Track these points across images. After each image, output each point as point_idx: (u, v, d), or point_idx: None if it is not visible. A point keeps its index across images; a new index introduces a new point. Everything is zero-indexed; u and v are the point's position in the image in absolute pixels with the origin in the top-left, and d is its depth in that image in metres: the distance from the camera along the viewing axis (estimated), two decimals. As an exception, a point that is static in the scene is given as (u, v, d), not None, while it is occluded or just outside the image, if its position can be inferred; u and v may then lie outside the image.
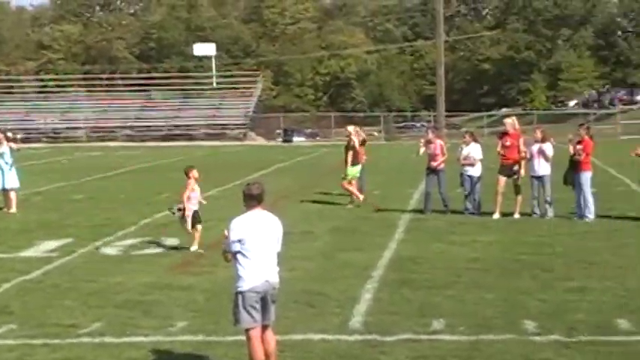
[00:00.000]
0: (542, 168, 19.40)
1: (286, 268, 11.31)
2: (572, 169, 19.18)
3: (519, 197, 19.61)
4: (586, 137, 19.04)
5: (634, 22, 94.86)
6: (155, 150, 56.73)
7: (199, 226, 15.95)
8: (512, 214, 19.48)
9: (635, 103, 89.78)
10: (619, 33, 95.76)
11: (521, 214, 19.49)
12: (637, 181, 24.05)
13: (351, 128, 24.08)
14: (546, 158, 19.36)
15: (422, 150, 21.10)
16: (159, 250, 16.33)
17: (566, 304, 11.31)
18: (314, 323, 10.65)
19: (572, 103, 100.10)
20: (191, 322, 10.87)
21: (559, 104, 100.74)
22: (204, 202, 16.41)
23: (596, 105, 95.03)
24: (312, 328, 10.39)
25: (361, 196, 22.48)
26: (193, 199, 15.85)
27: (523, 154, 19.73)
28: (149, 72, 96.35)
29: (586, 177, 18.97)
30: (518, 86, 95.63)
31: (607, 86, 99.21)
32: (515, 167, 19.71)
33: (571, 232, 17.46)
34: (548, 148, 19.50)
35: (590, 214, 18.90)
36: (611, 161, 32.71)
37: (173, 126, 75.27)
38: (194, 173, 16.02)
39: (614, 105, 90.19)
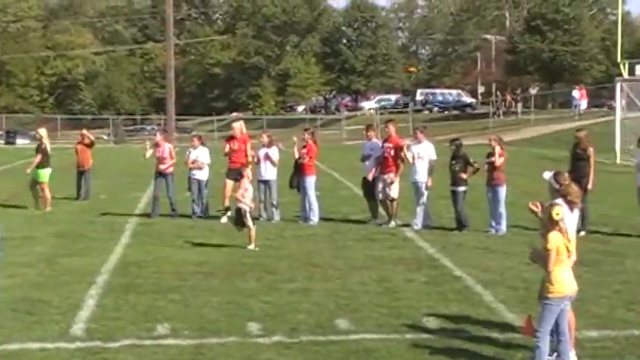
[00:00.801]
0: (269, 172, 19.71)
1: (5, 275, 10.87)
2: (298, 172, 19.65)
3: (246, 201, 19.80)
4: (310, 142, 19.58)
5: (358, 31, 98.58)
6: None
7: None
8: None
9: (359, 109, 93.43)
10: (344, 41, 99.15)
11: (249, 217, 19.69)
12: (360, 185, 24.96)
13: (42, 131, 23.53)
14: (273, 162, 19.70)
15: (149, 152, 21.02)
16: None
17: (289, 306, 11.54)
18: (33, 332, 10.25)
19: (300, 108, 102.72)
20: None
21: (288, 109, 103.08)
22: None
23: (322, 111, 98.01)
24: (31, 337, 10.00)
25: (48, 206, 21.97)
26: (247, 197, 16.16)
27: (250, 158, 19.98)
28: None
29: (310, 181, 19.49)
30: (249, 91, 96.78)
31: (333, 92, 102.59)
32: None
33: (296, 234, 17.85)
34: (275, 152, 19.85)
35: (315, 217, 19.42)
36: (336, 165, 33.79)
37: None
38: (248, 173, 16.78)
39: (339, 111, 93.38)
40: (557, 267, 8.45)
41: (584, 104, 66.16)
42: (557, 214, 8.47)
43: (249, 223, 16.14)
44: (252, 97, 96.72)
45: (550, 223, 8.51)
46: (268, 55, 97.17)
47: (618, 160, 37.15)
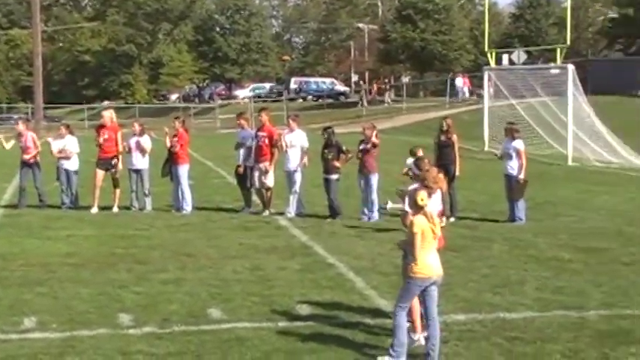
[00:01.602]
0: (140, 161, 19.49)
1: None
2: (170, 161, 19.48)
3: (117, 190, 19.57)
4: (181, 130, 19.42)
5: (231, 19, 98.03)
6: None
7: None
8: (111, 207, 19.37)
9: (234, 98, 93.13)
10: (217, 29, 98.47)
11: (120, 207, 19.46)
12: (233, 174, 24.89)
13: None
14: (144, 151, 19.46)
15: (9, 144, 20.55)
16: None
17: (161, 296, 11.40)
18: None
19: (173, 97, 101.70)
20: None
21: (161, 98, 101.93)
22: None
23: (196, 99, 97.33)
24: None
25: None
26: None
27: (121, 148, 19.69)
28: None
29: (183, 169, 19.34)
30: (120, 79, 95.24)
31: (207, 81, 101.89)
32: (114, 161, 19.61)
33: (169, 224, 17.68)
34: (146, 141, 19.61)
35: (188, 206, 19.29)
36: (210, 154, 33.64)
37: None
38: (420, 151, 16.20)
39: (213, 100, 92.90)
40: (423, 250, 8.60)
41: (466, 92, 67.64)
42: (422, 200, 8.63)
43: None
44: (124, 85, 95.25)
45: (415, 208, 8.67)
46: (140, 42, 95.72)
47: (486, 148, 38.09)
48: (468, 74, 72.33)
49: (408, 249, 8.79)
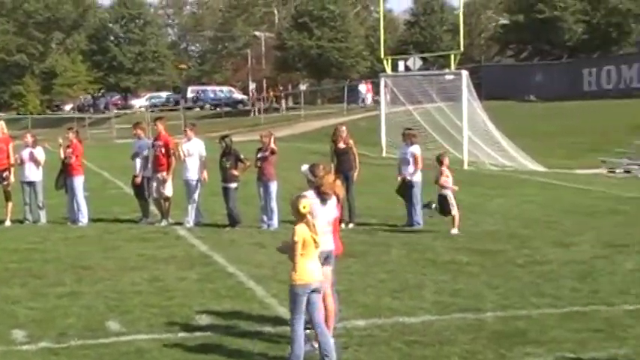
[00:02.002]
0: (34, 173, 19.10)
1: None
2: (64, 173, 19.12)
3: (10, 204, 19.12)
4: (75, 141, 19.09)
5: (125, 28, 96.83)
6: None
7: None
8: (3, 221, 18.91)
9: (130, 107, 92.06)
10: (111, 38, 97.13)
11: (13, 221, 19.01)
12: (130, 185, 24.57)
13: None
14: (38, 163, 19.08)
15: None
16: None
17: (57, 310, 11.17)
18: None
19: (67, 107, 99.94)
20: None
21: (55, 108, 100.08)
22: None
23: (91, 109, 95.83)
24: None
25: None
26: (450, 182, 17.04)
27: (13, 160, 19.25)
28: None
29: (78, 181, 19.01)
30: (11, 90, 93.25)
31: (102, 91, 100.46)
32: (5, 173, 19.15)
33: (64, 237, 17.35)
34: (40, 152, 19.23)
35: (84, 219, 18.95)
36: (106, 165, 33.13)
37: None
38: (446, 160, 17.29)
39: (108, 109, 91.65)
40: (303, 258, 8.62)
41: (369, 98, 68.21)
42: (304, 207, 8.66)
43: (454, 209, 16.76)
44: (15, 96, 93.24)
45: (297, 216, 8.69)
46: (31, 52, 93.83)
47: (384, 154, 38.42)
48: (359, 81, 72.97)
49: (289, 255, 8.79)
